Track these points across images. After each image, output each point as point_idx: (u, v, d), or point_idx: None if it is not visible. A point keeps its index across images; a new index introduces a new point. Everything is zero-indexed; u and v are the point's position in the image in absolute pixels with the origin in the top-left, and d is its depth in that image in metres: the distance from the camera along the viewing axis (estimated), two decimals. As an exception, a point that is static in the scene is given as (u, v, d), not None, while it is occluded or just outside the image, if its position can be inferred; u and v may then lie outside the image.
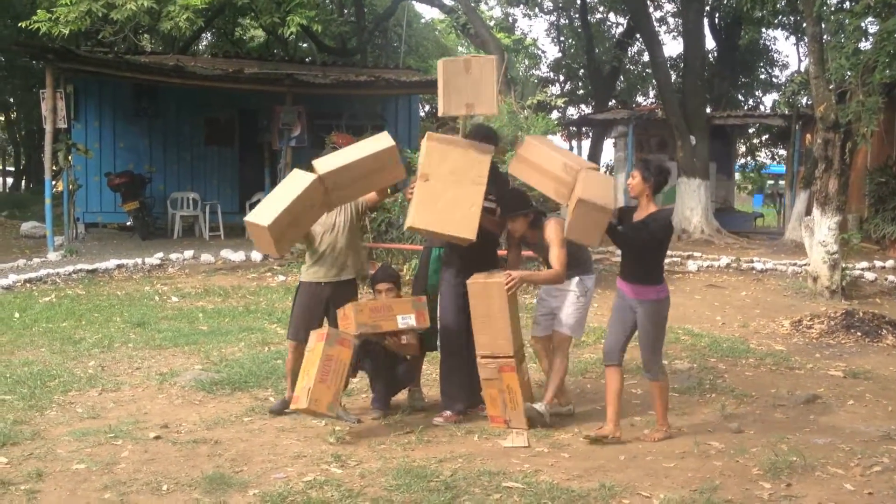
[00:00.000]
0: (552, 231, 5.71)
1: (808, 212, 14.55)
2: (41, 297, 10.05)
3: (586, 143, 24.75)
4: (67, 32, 11.29)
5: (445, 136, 5.74)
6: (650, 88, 28.75)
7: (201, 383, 6.57)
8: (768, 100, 30.09)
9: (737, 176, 25.85)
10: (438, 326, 5.97)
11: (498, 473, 4.84)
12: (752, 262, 14.27)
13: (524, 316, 7.92)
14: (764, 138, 27.00)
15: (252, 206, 10.71)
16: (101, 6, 10.93)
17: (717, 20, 23.79)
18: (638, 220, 5.49)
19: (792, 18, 22.79)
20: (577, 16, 26.83)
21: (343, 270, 6.02)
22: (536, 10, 28.13)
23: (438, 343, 6.03)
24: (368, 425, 5.79)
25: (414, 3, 23.15)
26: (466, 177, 5.47)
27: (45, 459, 4.91)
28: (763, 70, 27.49)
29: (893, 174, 16.02)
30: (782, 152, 26.23)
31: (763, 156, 29.03)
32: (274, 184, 14.06)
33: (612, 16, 27.96)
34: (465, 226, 5.44)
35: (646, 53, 26.22)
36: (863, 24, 11.57)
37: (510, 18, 28.76)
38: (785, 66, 28.49)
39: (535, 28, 72.69)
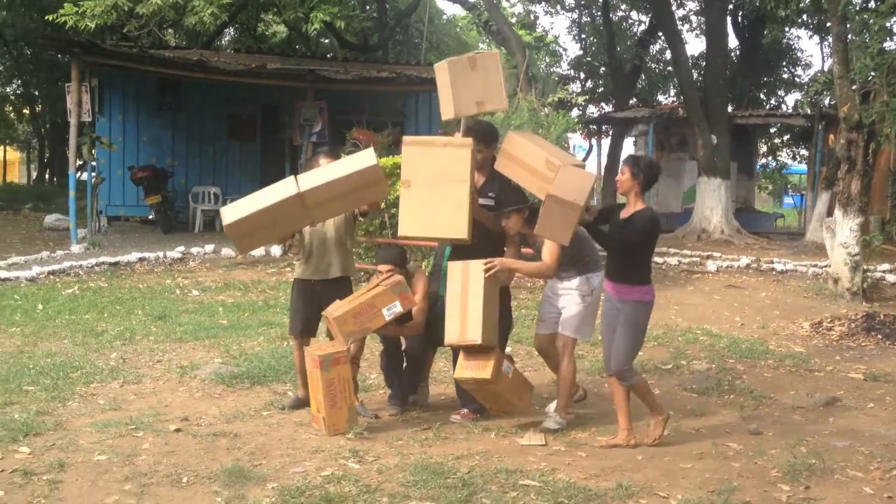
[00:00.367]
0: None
1: (830, 213, 14.45)
2: (64, 289, 10.15)
3: (606, 142, 24.64)
4: (93, 26, 11.39)
5: (422, 138, 5.70)
6: (671, 87, 28.59)
7: (221, 377, 6.62)
8: (790, 99, 29.93)
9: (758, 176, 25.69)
10: None
11: (515, 471, 4.86)
12: (772, 262, 14.19)
13: (528, 315, 7.96)
14: (785, 138, 26.81)
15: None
16: (127, 0, 11.02)
17: (740, 18, 23.63)
18: (623, 218, 5.38)
19: (816, 18, 22.58)
20: (598, 13, 26.72)
21: (330, 269, 5.97)
22: (558, 6, 28.05)
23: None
24: (386, 421, 5.82)
25: (437, -1, 23.13)
26: (448, 176, 5.38)
27: (67, 450, 4.97)
28: (786, 69, 27.26)
29: (917, 176, 15.88)
30: (804, 152, 26.03)
31: (784, 156, 28.83)
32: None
33: (634, 13, 27.84)
34: (453, 227, 5.38)
35: (667, 52, 26.10)
36: (888, 24, 11.48)
37: (531, 15, 28.69)
38: (808, 66, 28.25)
39: (557, 25, 72.69)
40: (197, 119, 17.32)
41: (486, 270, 5.43)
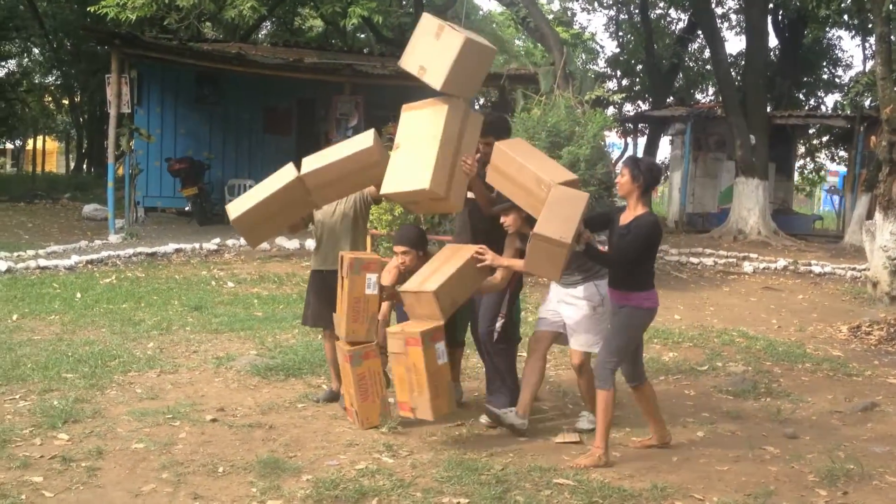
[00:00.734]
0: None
1: (870, 215, 14.25)
2: (102, 279, 10.27)
3: (642, 141, 24.50)
4: (134, 18, 11.51)
5: (415, 103, 5.42)
6: (710, 86, 28.35)
7: (256, 368, 6.66)
8: (830, 100, 29.54)
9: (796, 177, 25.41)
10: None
11: (549, 469, 4.84)
12: (809, 265, 14.03)
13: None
14: (824, 139, 26.49)
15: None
16: (169, -7, 11.16)
17: (780, 17, 23.35)
18: (622, 226, 5.07)
19: (858, 18, 22.25)
20: (636, 11, 26.56)
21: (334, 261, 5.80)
22: (595, 4, 27.92)
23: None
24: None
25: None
26: (424, 135, 5.22)
27: (106, 438, 5.03)
28: (826, 69, 26.92)
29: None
30: (843, 154, 25.70)
31: (823, 157, 28.49)
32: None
33: (672, 11, 27.60)
34: (417, 179, 5.13)
35: (706, 50, 25.87)
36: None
37: (569, 13, 28.61)
38: (849, 66, 28.00)
39: (594, 23, 72.22)
40: (234, 112, 17.45)
41: (477, 256, 5.31)
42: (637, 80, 28.87)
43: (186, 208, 16.38)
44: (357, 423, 5.45)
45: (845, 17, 22.08)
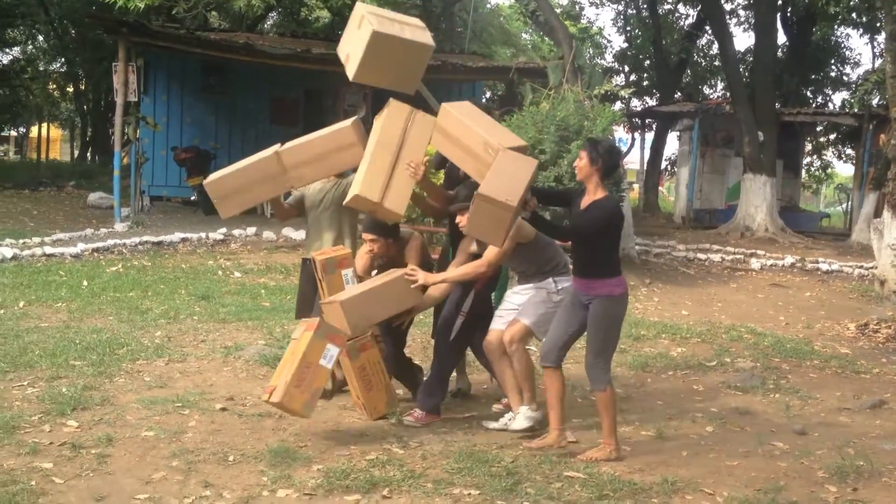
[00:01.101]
0: None
1: (878, 213, 14.21)
2: (108, 267, 10.26)
3: (649, 136, 24.45)
4: (143, 7, 11.47)
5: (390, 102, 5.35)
6: (718, 81, 28.28)
7: (265, 358, 6.65)
8: (837, 98, 29.42)
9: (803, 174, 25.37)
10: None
11: (559, 462, 4.83)
12: (817, 262, 14.01)
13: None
14: (832, 137, 26.43)
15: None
16: (177, -18, 11.12)
17: (788, 14, 23.27)
18: (581, 210, 4.92)
19: (867, 16, 22.18)
20: (644, 6, 26.47)
21: (322, 248, 5.76)
22: (604, -2, 27.87)
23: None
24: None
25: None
26: (370, 141, 5.21)
27: (115, 425, 5.02)
28: (834, 67, 26.83)
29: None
30: (850, 151, 25.63)
31: (830, 155, 28.42)
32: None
33: (681, 6, 27.52)
34: (353, 186, 5.12)
35: (714, 46, 25.81)
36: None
37: (577, 6, 28.51)
38: (857, 64, 27.79)
39: (602, 17, 72.24)
40: (240, 102, 17.40)
41: (408, 274, 5.23)
42: (644, 75, 28.81)
43: (192, 198, 16.34)
44: (366, 415, 5.44)
45: (854, 14, 22.00)
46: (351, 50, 5.20)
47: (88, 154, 33.58)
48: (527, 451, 5.01)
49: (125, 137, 13.96)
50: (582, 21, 29.20)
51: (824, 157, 28.40)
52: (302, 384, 4.89)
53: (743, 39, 48.98)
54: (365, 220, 5.58)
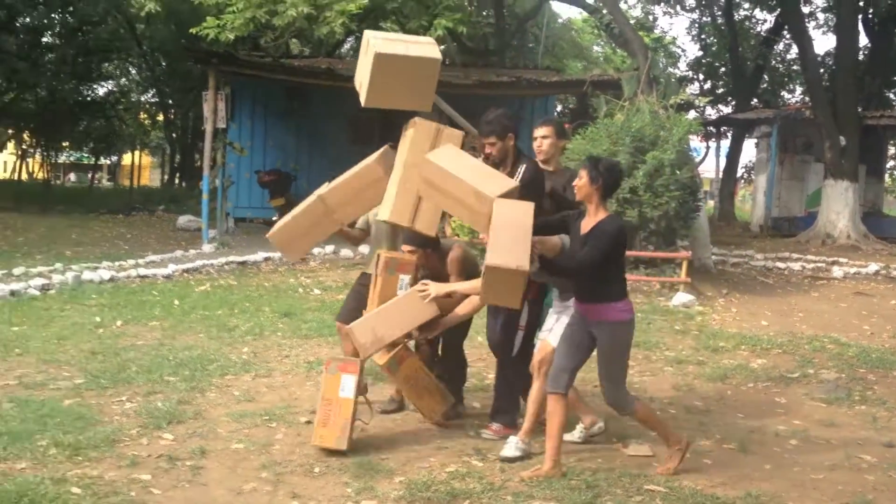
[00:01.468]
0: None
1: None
2: (197, 287, 10.64)
3: (725, 144, 24.12)
4: (233, 38, 11.91)
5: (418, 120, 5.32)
6: (796, 86, 27.71)
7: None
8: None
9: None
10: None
11: (639, 476, 4.85)
12: (903, 269, 13.63)
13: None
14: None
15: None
16: (265, 13, 11.49)
17: (870, 16, 22.70)
18: (584, 234, 4.73)
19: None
20: (720, 13, 26.16)
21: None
22: (677, 7, 27.60)
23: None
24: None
25: (554, 2, 23.10)
26: (397, 161, 5.23)
27: (207, 438, 5.25)
28: (919, 68, 26.00)
29: None
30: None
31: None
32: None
33: (757, 12, 27.09)
34: (383, 208, 5.15)
35: (792, 50, 25.33)
36: None
37: (650, 17, 28.34)
38: (943, 65, 26.85)
39: (676, 26, 71.40)
40: (320, 124, 17.81)
41: (419, 290, 5.22)
42: (719, 82, 28.43)
43: (274, 218, 16.74)
44: (428, 420, 5.60)
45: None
46: (362, 77, 5.24)
47: (176, 179, 34.72)
48: (605, 463, 5.05)
49: (214, 162, 14.45)
50: (655, 31, 28.97)
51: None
52: (328, 422, 5.07)
53: (822, 42, 47.74)
54: (405, 233, 5.62)
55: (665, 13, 29.31)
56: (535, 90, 16.36)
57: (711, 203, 25.24)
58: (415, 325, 5.30)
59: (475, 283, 5.10)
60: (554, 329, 5.22)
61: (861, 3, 20.95)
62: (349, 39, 26.72)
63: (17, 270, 10.97)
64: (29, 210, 19.52)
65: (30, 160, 29.44)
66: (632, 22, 24.06)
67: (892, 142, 24.19)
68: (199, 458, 4.90)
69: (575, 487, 4.62)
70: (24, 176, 29.02)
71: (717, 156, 23.62)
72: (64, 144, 28.57)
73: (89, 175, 41.60)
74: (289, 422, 5.60)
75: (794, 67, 26.05)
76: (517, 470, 4.87)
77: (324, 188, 5.58)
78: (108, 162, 43.50)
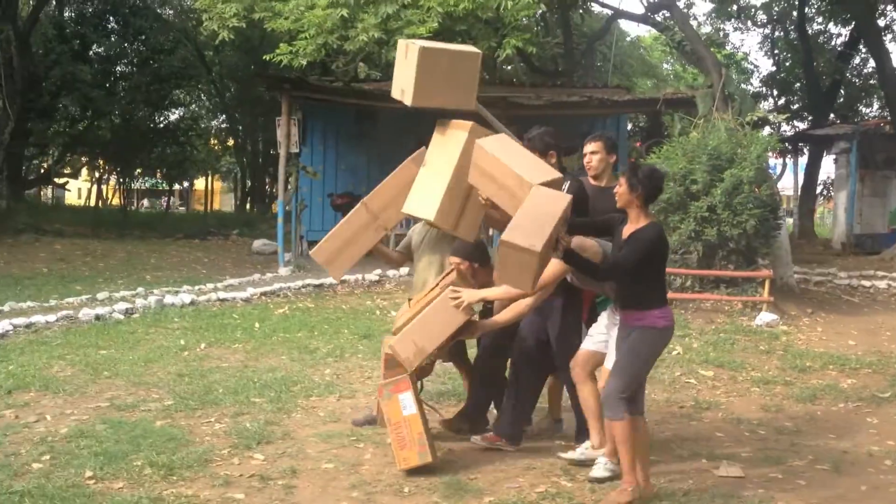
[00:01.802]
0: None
1: None
2: (276, 309, 10.81)
3: (802, 160, 23.62)
4: (305, 64, 12.15)
5: (448, 121, 5.31)
6: (874, 100, 27.03)
7: (428, 394, 6.83)
8: None
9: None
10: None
11: (732, 496, 4.78)
12: None
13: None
14: None
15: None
16: (336, 39, 11.70)
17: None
18: (623, 239, 4.72)
19: None
20: (792, 28, 25.72)
21: (425, 286, 5.82)
22: (749, 23, 27.24)
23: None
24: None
25: (622, 21, 23.05)
26: (444, 158, 5.15)
27: (297, 458, 5.31)
28: None
29: None
30: None
31: None
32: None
33: (831, 26, 26.56)
34: (426, 207, 5.09)
35: (868, 64, 24.75)
36: None
37: (721, 33, 28.02)
38: None
39: (747, 42, 70.53)
40: (390, 147, 17.90)
41: (454, 301, 5.12)
42: (793, 98, 27.91)
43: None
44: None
45: None
46: (404, 81, 5.24)
47: (247, 204, 35.43)
48: (697, 483, 4.97)
49: (287, 186, 14.71)
50: (727, 48, 28.63)
51: None
52: (405, 444, 5.06)
53: (900, 55, 46.41)
54: (455, 243, 5.62)
55: (736, 29, 28.96)
56: (608, 109, 16.31)
57: (790, 221, 24.73)
58: (452, 331, 5.18)
59: (509, 289, 5.03)
60: (594, 336, 5.18)
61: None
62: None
63: (100, 295, 11.31)
64: (107, 236, 20.10)
65: (104, 187, 30.40)
66: (703, 39, 23.88)
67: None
68: (290, 477, 4.97)
69: (668, 508, 4.55)
70: (100, 203, 29.91)
71: (795, 173, 23.16)
72: (137, 171, 29.39)
73: (161, 200, 42.81)
74: (376, 442, 5.64)
75: (872, 81, 25.40)
76: (606, 490, 4.82)
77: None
78: (180, 187, 44.63)
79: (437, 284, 5.57)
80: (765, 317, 10.15)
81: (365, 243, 5.77)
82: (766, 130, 22.14)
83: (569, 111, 16.07)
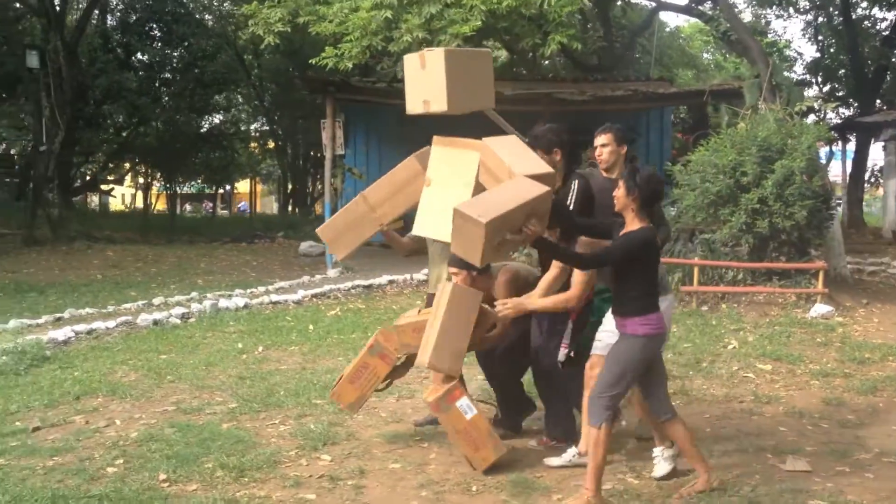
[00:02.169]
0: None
1: None
2: (327, 311, 10.93)
3: (850, 148, 23.27)
4: (351, 66, 12.26)
5: (448, 139, 5.24)
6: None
7: (487, 392, 6.87)
8: None
9: None
10: None
11: (801, 491, 4.75)
12: None
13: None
14: None
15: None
16: (380, 40, 11.79)
17: None
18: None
19: None
20: (836, 13, 25.32)
21: (438, 282, 5.83)
22: (791, 10, 26.87)
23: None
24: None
25: (661, 12, 22.84)
26: (458, 179, 5.06)
27: (363, 458, 5.39)
28: None
29: None
30: None
31: None
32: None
33: (876, 11, 26.07)
34: (442, 229, 4.93)
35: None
36: None
37: (763, 20, 27.65)
38: None
39: (790, 29, 69.43)
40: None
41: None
42: (836, 85, 27.48)
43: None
44: (332, 396, 5.78)
45: None
46: (427, 91, 5.18)
47: (289, 207, 35.70)
48: (764, 478, 4.96)
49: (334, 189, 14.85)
50: (768, 35, 28.25)
51: None
52: (478, 445, 5.11)
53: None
54: (453, 254, 5.48)
55: (777, 16, 28.55)
56: (653, 103, 16.22)
57: (840, 210, 24.38)
58: (473, 323, 5.16)
59: (553, 302, 5.19)
60: (603, 340, 5.08)
61: None
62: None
63: (156, 300, 11.52)
64: (156, 241, 20.43)
65: (144, 192, 30.87)
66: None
67: None
68: (359, 477, 5.04)
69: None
70: (148, 207, 30.36)
71: (843, 161, 22.82)
72: (181, 177, 29.74)
73: (203, 204, 43.29)
74: (440, 442, 5.69)
75: (919, 66, 24.95)
76: (674, 487, 4.83)
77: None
78: (223, 191, 45.12)
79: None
80: (820, 308, 10.05)
81: (363, 232, 5.81)
82: (811, 118, 21.89)
83: (613, 106, 16.00)
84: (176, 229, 23.31)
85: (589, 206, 5.28)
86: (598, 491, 4.51)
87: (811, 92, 26.91)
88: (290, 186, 35.95)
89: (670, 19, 38.39)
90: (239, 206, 46.35)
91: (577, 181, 5.35)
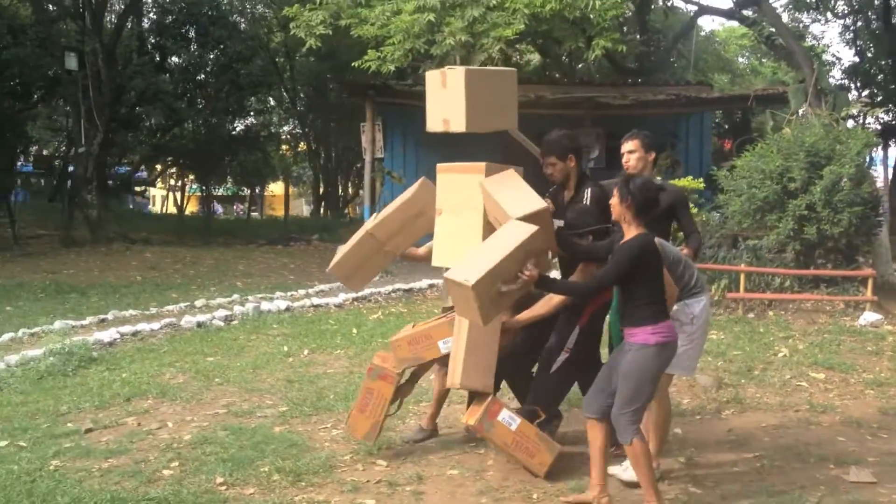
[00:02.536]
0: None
1: None
2: (369, 315, 10.92)
3: (891, 153, 22.93)
4: (393, 69, 12.27)
5: (451, 165, 5.25)
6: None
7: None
8: None
9: None
10: None
11: (868, 503, 4.67)
12: None
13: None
14: None
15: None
16: (423, 43, 11.78)
17: None
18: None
19: None
20: (874, 17, 25.00)
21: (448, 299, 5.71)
22: (828, 14, 26.57)
23: None
24: (711, 445, 5.75)
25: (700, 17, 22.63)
26: (466, 204, 5.07)
27: (420, 464, 5.36)
28: None
29: None
30: None
31: None
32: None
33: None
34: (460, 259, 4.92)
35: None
36: None
37: (800, 25, 27.37)
38: None
39: (828, 34, 69.19)
40: (472, 151, 17.94)
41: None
42: (876, 90, 27.12)
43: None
44: (347, 428, 5.65)
45: None
46: (447, 110, 5.15)
47: (321, 209, 35.83)
48: (829, 490, 4.87)
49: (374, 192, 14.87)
50: (806, 40, 27.94)
51: None
52: (532, 452, 5.05)
53: None
54: None
55: (814, 21, 28.27)
56: (695, 107, 16.09)
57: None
58: (497, 336, 5.17)
59: (556, 303, 5.16)
60: None
61: None
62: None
63: (198, 302, 11.58)
64: (193, 243, 20.53)
65: (179, 194, 31.11)
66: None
67: None
68: (417, 483, 5.02)
69: (804, 517, 4.47)
70: (182, 209, 30.58)
71: (885, 166, 22.49)
72: (215, 179, 29.91)
73: (234, 207, 43.55)
74: (495, 448, 5.64)
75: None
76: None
77: (370, 222, 5.67)
78: (255, 194, 45.37)
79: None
80: (869, 316, 9.89)
81: (377, 265, 5.89)
82: (849, 123, 21.61)
83: (655, 110, 15.89)
84: (211, 231, 23.44)
85: (606, 211, 5.10)
86: (661, 501, 4.45)
87: (850, 97, 26.57)
88: (321, 189, 36.10)
89: (705, 23, 38.17)
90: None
91: (589, 189, 5.29)
